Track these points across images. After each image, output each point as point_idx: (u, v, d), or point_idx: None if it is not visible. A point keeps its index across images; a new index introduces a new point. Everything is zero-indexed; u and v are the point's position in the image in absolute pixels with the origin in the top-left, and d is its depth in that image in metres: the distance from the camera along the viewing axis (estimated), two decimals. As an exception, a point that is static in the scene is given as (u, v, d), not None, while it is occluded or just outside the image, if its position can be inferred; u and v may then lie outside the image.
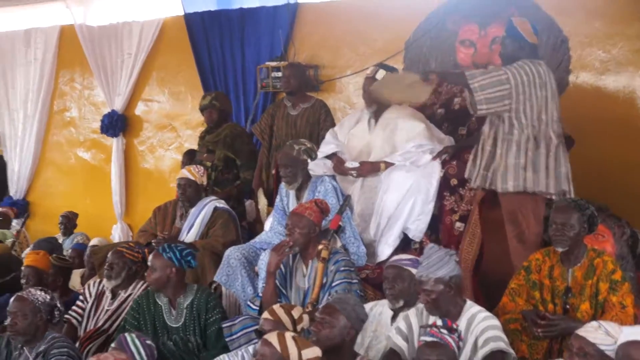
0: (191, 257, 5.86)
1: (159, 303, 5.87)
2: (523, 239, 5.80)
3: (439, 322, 4.47)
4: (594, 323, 4.32)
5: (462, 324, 4.73)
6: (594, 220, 5.12)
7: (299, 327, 5.04)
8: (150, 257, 5.87)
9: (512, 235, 5.88)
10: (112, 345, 4.96)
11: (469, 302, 4.89)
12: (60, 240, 9.64)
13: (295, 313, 5.08)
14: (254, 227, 8.45)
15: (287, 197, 6.68)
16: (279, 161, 6.66)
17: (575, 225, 5.05)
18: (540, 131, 5.75)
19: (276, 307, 5.13)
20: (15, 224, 10.27)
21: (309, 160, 6.52)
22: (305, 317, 5.12)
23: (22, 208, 11.48)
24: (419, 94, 6.21)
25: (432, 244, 5.08)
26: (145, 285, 6.38)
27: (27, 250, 8.93)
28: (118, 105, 10.79)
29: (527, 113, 5.73)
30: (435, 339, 4.37)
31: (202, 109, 8.34)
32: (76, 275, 8.12)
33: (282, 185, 6.67)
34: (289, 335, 4.30)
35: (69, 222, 9.99)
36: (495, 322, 4.73)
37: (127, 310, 6.00)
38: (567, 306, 5.06)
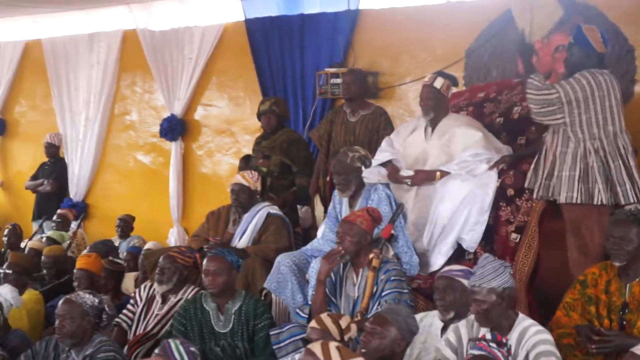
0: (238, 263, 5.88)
1: (207, 308, 5.84)
2: (585, 251, 5.68)
3: (488, 336, 4.34)
4: None
5: (513, 337, 4.60)
6: None
7: (346, 337, 4.96)
8: (209, 261, 5.83)
9: (574, 247, 5.77)
10: (156, 351, 4.92)
11: (521, 316, 4.75)
12: (117, 243, 9.72)
13: (343, 322, 5.00)
14: (309, 234, 8.39)
15: (340, 204, 6.61)
16: (332, 168, 6.60)
17: (634, 240, 4.90)
18: (610, 143, 5.65)
19: (324, 316, 5.06)
20: (74, 225, 10.33)
21: (362, 168, 6.44)
22: (353, 326, 5.04)
23: (81, 210, 11.56)
24: None
25: (487, 254, 4.96)
26: (195, 290, 6.36)
27: (84, 252, 9.00)
28: (177, 109, 10.81)
29: (584, 126, 5.65)
30: (483, 352, 4.25)
31: (261, 114, 8.30)
32: (130, 279, 8.13)
33: (335, 192, 6.60)
34: (332, 345, 4.20)
35: (126, 225, 10.05)
36: (547, 336, 4.59)
37: (174, 317, 5.98)
38: (624, 322, 4.91)
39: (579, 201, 5.64)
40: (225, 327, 5.79)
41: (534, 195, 5.96)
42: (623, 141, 5.70)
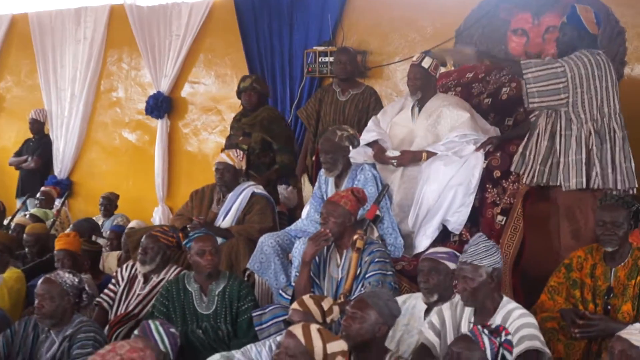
0: None
1: (190, 289, 5.79)
2: (578, 236, 5.65)
3: (493, 327, 4.25)
4: (637, 325, 4.12)
5: (497, 320, 4.56)
6: (638, 216, 4.92)
7: (328, 319, 4.90)
8: (206, 241, 5.76)
9: (567, 232, 5.73)
10: (136, 332, 4.85)
11: (505, 298, 4.72)
12: (100, 222, 9.63)
13: (325, 304, 4.93)
14: (295, 214, 8.33)
15: (325, 184, 6.53)
16: (320, 147, 6.49)
17: (624, 224, 4.90)
18: (603, 124, 5.61)
19: (306, 297, 4.98)
20: (58, 203, 10.24)
21: (350, 148, 6.36)
22: (336, 308, 4.97)
23: (66, 188, 11.46)
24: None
25: (480, 233, 4.93)
26: (178, 270, 6.30)
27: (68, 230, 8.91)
28: (164, 86, 10.70)
29: (586, 107, 5.59)
30: (469, 334, 4.19)
31: (242, 91, 8.17)
32: (113, 258, 8.06)
33: (322, 172, 6.53)
34: (314, 327, 4.16)
35: (110, 204, 9.94)
36: (531, 320, 4.55)
37: (156, 297, 5.92)
38: (608, 307, 4.91)
39: (576, 187, 5.58)
40: (209, 308, 5.74)
41: (524, 181, 5.90)
42: (616, 123, 5.64)
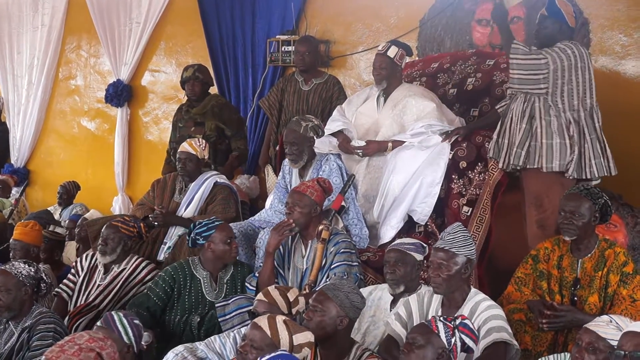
0: None
1: (198, 276, 5.72)
2: (545, 224, 5.65)
3: (461, 320, 4.19)
4: (604, 317, 4.11)
5: (465, 312, 4.56)
6: (607, 210, 4.95)
7: (294, 310, 4.82)
8: (223, 231, 5.72)
9: (534, 220, 5.73)
10: (98, 323, 4.75)
11: (473, 290, 4.73)
12: (58, 211, 9.48)
13: (291, 295, 4.85)
14: (257, 204, 8.25)
15: (289, 174, 6.47)
16: (284, 138, 6.43)
17: (585, 215, 4.89)
18: (586, 115, 5.65)
19: (271, 288, 4.90)
20: (15, 192, 10.09)
21: (315, 138, 6.29)
22: (302, 299, 4.89)
23: (23, 176, 11.33)
24: None
25: (459, 223, 4.92)
26: (139, 260, 6.21)
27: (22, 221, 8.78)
28: (124, 74, 10.58)
29: (565, 97, 5.64)
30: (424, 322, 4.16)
31: (185, 81, 8.07)
32: (72, 247, 7.95)
33: (285, 162, 6.46)
34: (280, 319, 4.09)
35: (67, 194, 9.79)
36: (499, 311, 4.55)
37: (154, 281, 5.77)
38: (575, 298, 4.90)
39: (559, 169, 5.60)
40: (219, 295, 5.69)
41: (501, 165, 5.87)
42: (595, 114, 5.69)
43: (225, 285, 5.73)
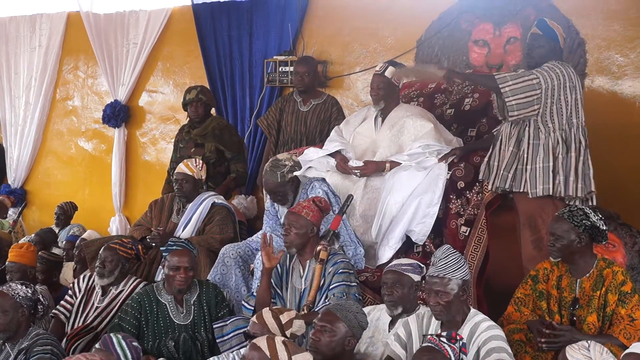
0: None
1: (163, 301, 5.68)
2: (540, 246, 5.64)
3: (444, 334, 4.22)
4: (584, 343, 4.19)
5: (465, 332, 4.55)
6: (597, 231, 4.89)
7: (288, 332, 4.78)
8: (181, 256, 5.61)
9: (528, 242, 5.74)
10: (97, 345, 4.74)
11: (473, 310, 4.72)
12: (55, 232, 9.46)
13: (284, 318, 4.80)
14: (254, 224, 8.24)
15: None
16: (264, 187, 6.38)
17: (563, 237, 4.90)
18: (571, 134, 5.66)
19: (265, 310, 4.87)
20: (12, 212, 10.07)
21: (296, 174, 6.23)
22: (297, 322, 4.86)
23: (20, 197, 11.30)
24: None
25: (448, 246, 4.88)
26: (137, 281, 6.19)
27: (23, 240, 8.76)
28: (121, 95, 10.57)
29: (555, 117, 5.66)
30: (431, 345, 4.15)
31: (187, 103, 8.11)
32: (69, 269, 7.93)
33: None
34: (279, 339, 4.09)
35: (64, 214, 9.77)
36: (499, 332, 4.55)
37: (123, 310, 5.72)
38: (574, 318, 4.89)
39: (543, 193, 5.61)
40: (186, 318, 5.66)
41: (489, 187, 5.91)
42: (582, 134, 5.70)
43: (192, 307, 5.68)
